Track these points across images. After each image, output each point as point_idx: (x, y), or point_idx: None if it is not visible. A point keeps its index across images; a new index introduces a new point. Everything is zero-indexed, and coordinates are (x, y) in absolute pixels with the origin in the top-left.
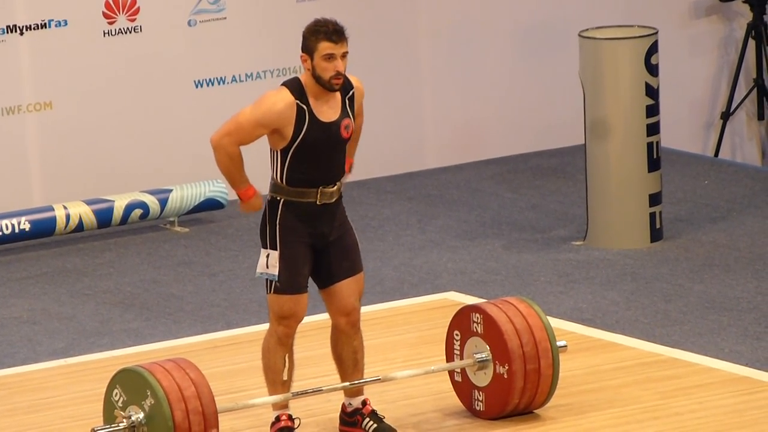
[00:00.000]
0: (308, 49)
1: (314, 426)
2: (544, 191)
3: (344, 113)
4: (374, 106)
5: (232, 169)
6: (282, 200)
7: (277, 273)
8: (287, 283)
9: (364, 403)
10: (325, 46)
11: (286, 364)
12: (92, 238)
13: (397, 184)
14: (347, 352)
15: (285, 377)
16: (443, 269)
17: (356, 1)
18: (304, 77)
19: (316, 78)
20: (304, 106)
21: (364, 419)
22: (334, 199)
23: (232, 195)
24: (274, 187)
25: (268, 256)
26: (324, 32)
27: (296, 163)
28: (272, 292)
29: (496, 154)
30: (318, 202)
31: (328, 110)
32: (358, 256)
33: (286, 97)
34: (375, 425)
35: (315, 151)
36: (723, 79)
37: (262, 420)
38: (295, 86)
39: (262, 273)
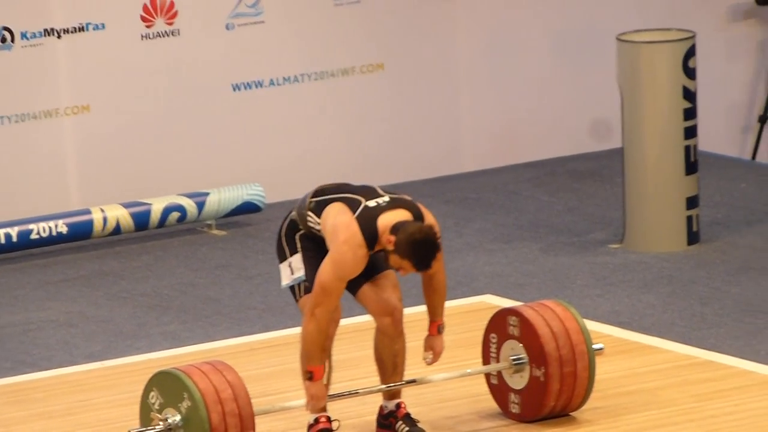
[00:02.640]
0: (397, 247)
1: (351, 428)
2: (582, 194)
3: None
4: (411, 109)
5: (319, 341)
6: (303, 232)
7: (303, 273)
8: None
9: (399, 406)
10: (407, 266)
11: (326, 369)
12: (129, 241)
13: (433, 187)
14: (387, 354)
15: (324, 381)
16: (480, 272)
17: (394, 4)
18: (382, 227)
19: (385, 252)
20: (370, 252)
21: (397, 422)
22: None
23: (270, 198)
24: (300, 215)
25: (290, 264)
26: (415, 261)
27: None
28: (302, 294)
29: (533, 157)
30: None
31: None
32: None
33: (362, 253)
34: (407, 428)
35: None
36: (760, 82)
37: (299, 422)
38: (371, 236)
39: (288, 282)
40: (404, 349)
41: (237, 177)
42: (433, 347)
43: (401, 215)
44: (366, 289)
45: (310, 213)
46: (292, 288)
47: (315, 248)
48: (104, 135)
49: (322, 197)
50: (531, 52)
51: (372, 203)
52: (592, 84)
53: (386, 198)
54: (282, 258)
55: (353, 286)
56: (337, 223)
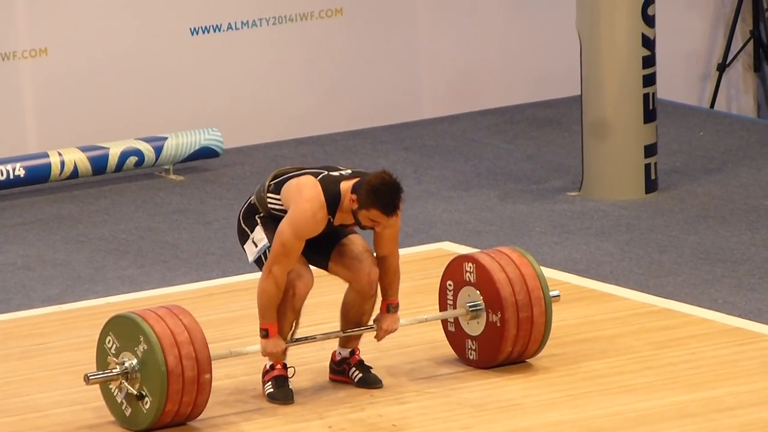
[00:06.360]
0: (361, 202)
1: (308, 373)
2: (540, 142)
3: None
4: (370, 55)
5: (275, 299)
6: (263, 214)
7: (266, 242)
8: None
9: (353, 352)
10: (375, 215)
11: (292, 327)
12: (87, 185)
13: (392, 134)
14: (355, 313)
15: (288, 339)
16: (438, 219)
17: None
18: (344, 190)
19: (353, 214)
20: (331, 218)
21: (350, 368)
22: None
23: (228, 143)
24: (259, 198)
25: (253, 239)
26: (382, 206)
27: None
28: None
29: (492, 104)
30: None
31: (345, 218)
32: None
33: (322, 215)
34: (360, 375)
35: None
36: (719, 30)
37: (256, 368)
38: (332, 198)
39: (255, 257)
40: (372, 309)
41: (195, 122)
42: (379, 322)
43: None
44: (337, 261)
45: (270, 195)
46: (259, 261)
47: (275, 221)
48: (62, 78)
49: (282, 178)
50: None
51: (335, 173)
52: (551, 31)
53: (348, 171)
54: (244, 239)
55: (322, 260)
56: (302, 183)
